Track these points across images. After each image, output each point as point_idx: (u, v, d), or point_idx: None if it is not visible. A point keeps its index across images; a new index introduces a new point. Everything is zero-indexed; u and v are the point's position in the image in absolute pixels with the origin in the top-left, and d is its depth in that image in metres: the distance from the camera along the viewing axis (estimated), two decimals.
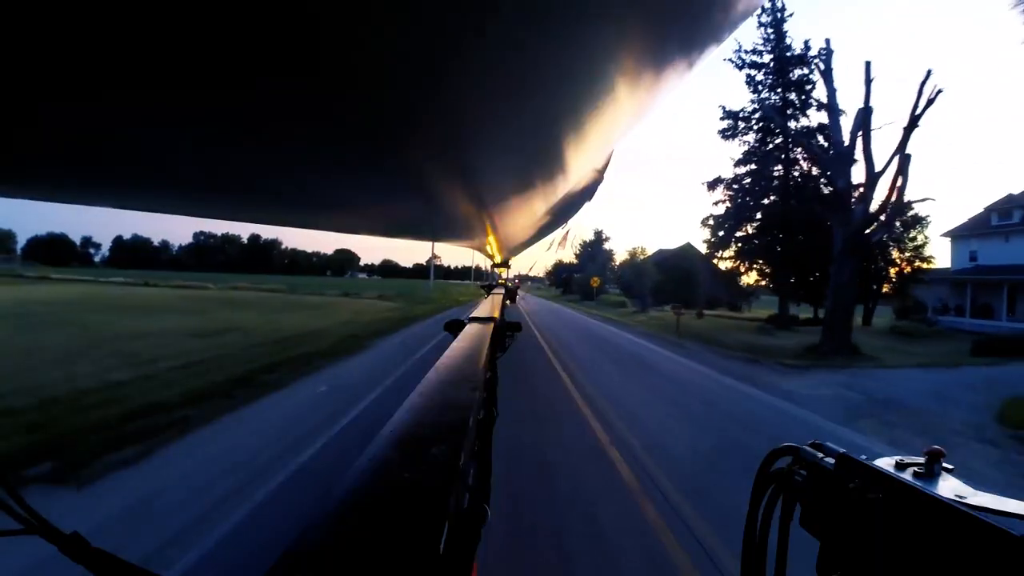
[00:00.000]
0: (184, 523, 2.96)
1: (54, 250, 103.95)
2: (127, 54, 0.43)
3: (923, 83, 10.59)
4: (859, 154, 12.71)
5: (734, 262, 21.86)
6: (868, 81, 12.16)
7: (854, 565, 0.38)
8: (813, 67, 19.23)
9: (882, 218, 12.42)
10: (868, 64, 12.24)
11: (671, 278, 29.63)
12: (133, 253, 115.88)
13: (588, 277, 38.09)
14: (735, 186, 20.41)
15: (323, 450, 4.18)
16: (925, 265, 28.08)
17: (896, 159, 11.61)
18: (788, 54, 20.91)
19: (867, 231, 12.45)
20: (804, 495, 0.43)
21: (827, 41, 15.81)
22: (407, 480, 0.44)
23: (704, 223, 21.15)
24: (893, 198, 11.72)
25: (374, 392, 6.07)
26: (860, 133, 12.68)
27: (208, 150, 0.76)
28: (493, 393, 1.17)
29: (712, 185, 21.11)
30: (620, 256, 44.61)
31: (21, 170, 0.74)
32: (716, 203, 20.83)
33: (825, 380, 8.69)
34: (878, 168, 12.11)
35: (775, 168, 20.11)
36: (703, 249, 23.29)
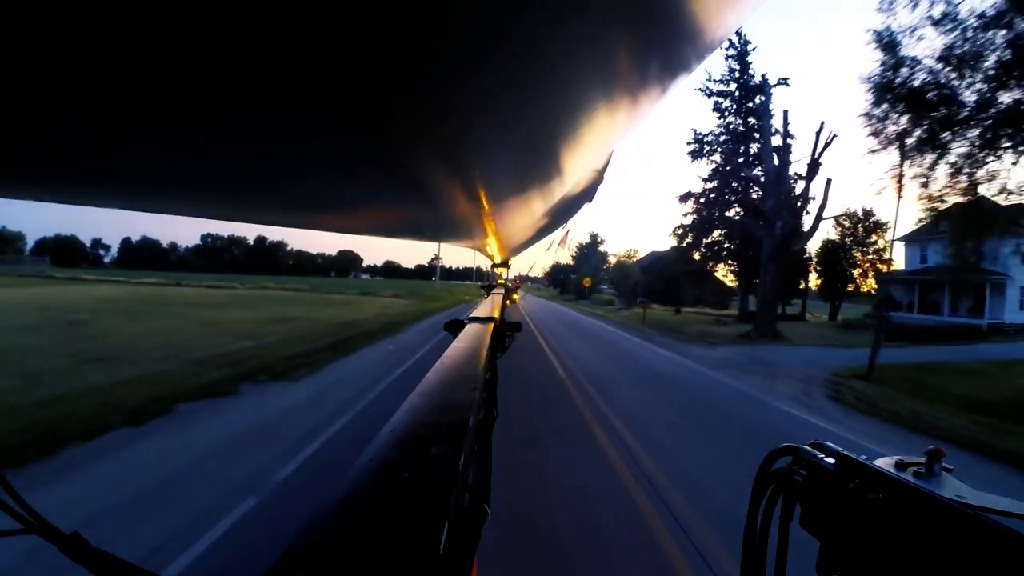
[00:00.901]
0: (357, 388, 6.65)
1: (64, 251, 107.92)
2: (138, 61, 0.45)
3: (819, 132, 14.24)
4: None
5: (706, 265, 25.51)
6: (786, 125, 15.81)
7: (854, 565, 0.39)
8: (771, 96, 22.86)
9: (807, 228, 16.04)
10: (786, 112, 15.93)
11: (660, 278, 33.30)
12: (143, 254, 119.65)
13: (583, 278, 41.85)
14: (702, 200, 24.03)
15: (407, 369, 7.92)
16: (885, 267, 31.63)
17: (808, 185, 15.22)
18: (751, 83, 24.53)
19: (786, 242, 16.08)
20: (804, 495, 0.44)
21: (766, 86, 19.44)
22: (407, 480, 0.45)
23: (674, 232, 24.84)
24: (806, 218, 15.36)
25: (423, 349, 9.84)
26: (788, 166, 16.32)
27: (217, 156, 0.80)
28: (493, 393, 1.20)
29: (684, 199, 24.75)
30: (615, 258, 48.48)
31: (32, 172, 0.75)
32: (685, 214, 24.49)
33: (730, 351, 12.33)
34: (797, 194, 15.74)
35: (737, 184, 23.71)
36: (679, 254, 26.84)
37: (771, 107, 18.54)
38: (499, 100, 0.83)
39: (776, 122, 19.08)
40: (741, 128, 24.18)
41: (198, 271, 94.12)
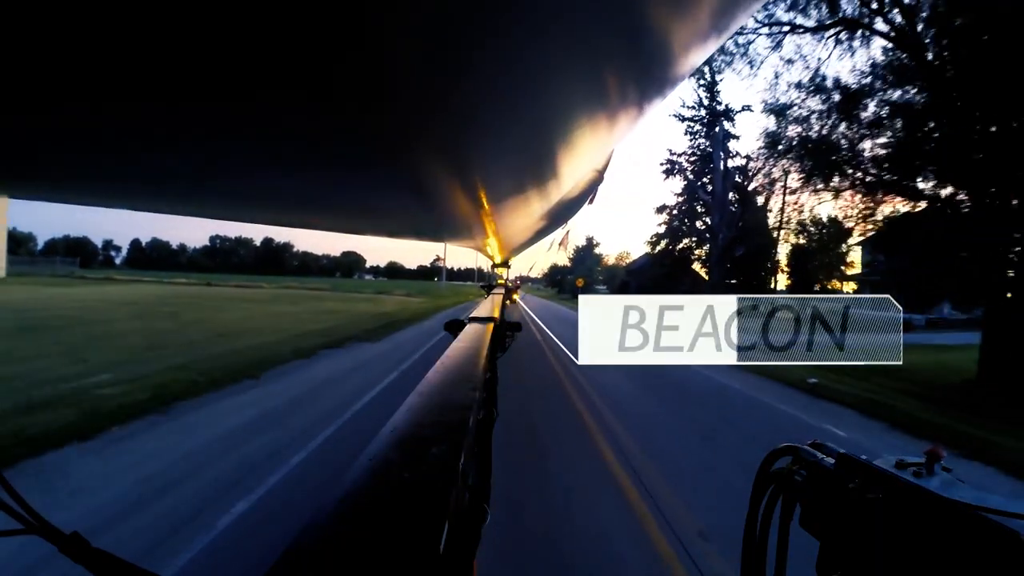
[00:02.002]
0: (415, 345, 11.08)
1: (76, 252, 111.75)
2: (148, 67, 0.46)
3: (746, 166, 18.53)
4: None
5: (677, 268, 29.84)
6: (727, 155, 20.09)
7: (854, 565, 0.40)
8: (722, 124, 27.15)
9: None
10: (727, 146, 20.19)
11: (648, 278, 37.62)
12: (153, 255, 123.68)
13: (576, 279, 46.21)
14: (674, 211, 28.35)
15: (437, 342, 12.27)
16: (848, 270, 35.87)
17: (742, 208, 19.51)
18: (718, 109, 28.79)
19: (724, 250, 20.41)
20: (804, 495, 0.45)
21: (730, 113, 23.66)
22: (407, 480, 0.46)
23: (648, 241, 29.19)
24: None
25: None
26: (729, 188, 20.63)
27: (228, 159, 0.84)
28: (493, 393, 1.23)
29: (659, 210, 29.08)
30: (609, 259, 52.87)
31: (46, 174, 0.79)
32: (660, 224, 28.83)
33: None
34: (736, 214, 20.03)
35: (703, 199, 28.05)
36: (653, 259, 31.12)
37: (734, 132, 22.83)
38: (498, 105, 0.85)
39: (740, 146, 23.41)
40: (710, 150, 28.48)
41: (207, 271, 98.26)
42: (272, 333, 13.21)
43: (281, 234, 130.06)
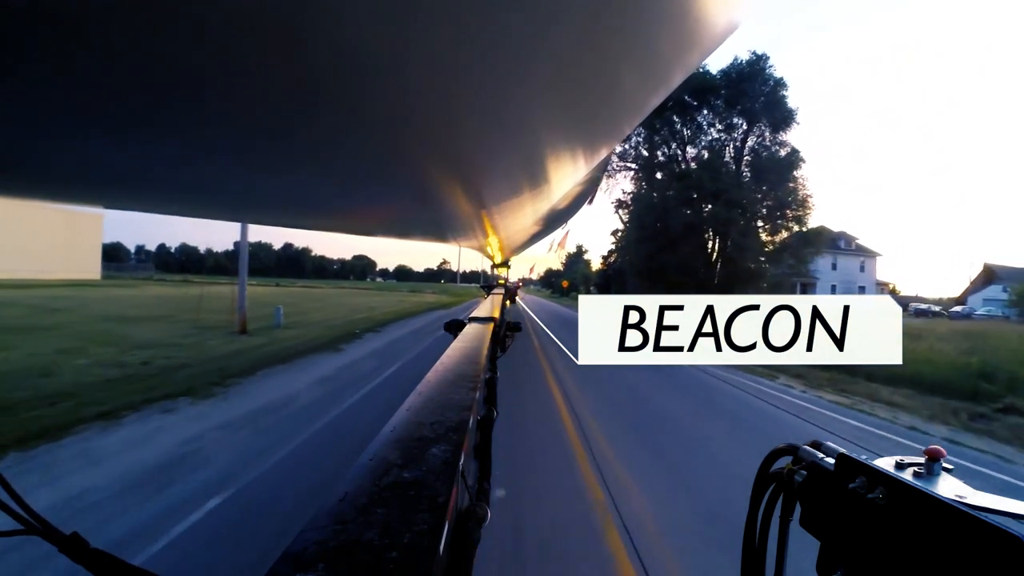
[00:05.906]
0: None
1: (111, 257, 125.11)
2: (175, 90, 0.50)
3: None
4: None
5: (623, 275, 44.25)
6: (639, 204, 34.40)
7: (854, 565, 0.40)
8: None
9: None
10: (635, 198, 34.49)
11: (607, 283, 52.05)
12: (183, 258, 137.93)
13: (562, 281, 60.72)
14: (622, 234, 42.70)
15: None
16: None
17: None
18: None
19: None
20: (804, 495, 0.46)
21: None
22: (407, 480, 0.47)
23: (602, 256, 43.56)
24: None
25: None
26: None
27: (252, 174, 0.92)
28: (493, 392, 1.25)
29: (613, 233, 43.43)
30: (595, 265, 67.30)
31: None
32: (613, 242, 43.19)
33: None
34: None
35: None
36: (610, 271, 45.48)
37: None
38: (498, 111, 0.91)
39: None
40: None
41: (231, 274, 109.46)
42: (386, 309, 27.62)
43: (298, 239, 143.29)
